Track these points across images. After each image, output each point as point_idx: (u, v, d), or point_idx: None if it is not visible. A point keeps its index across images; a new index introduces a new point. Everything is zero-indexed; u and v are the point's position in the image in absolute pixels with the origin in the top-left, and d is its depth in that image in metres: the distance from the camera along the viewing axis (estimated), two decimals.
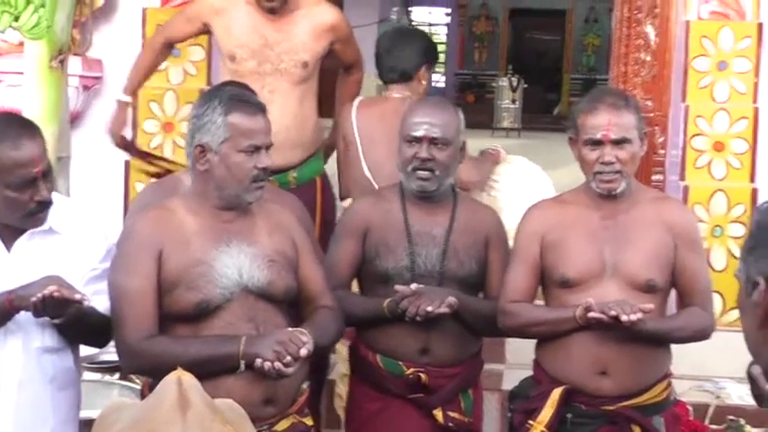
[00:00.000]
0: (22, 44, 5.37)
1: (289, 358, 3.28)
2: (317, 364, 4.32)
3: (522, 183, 5.27)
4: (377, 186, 4.87)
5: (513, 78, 18.06)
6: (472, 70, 20.42)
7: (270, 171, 3.58)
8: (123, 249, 3.47)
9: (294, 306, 3.62)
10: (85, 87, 6.08)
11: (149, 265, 3.38)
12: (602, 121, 3.72)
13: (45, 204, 3.42)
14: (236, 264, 3.42)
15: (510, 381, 4.37)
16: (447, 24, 21.24)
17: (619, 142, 3.72)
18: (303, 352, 3.30)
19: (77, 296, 3.27)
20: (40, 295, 3.21)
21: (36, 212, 3.40)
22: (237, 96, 3.53)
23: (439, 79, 20.25)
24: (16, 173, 3.32)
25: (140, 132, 5.97)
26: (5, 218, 3.41)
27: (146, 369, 3.50)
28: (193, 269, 3.39)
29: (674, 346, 3.96)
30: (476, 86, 19.54)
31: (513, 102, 17.76)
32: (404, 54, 5.06)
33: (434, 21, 21.52)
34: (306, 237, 3.72)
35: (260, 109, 3.53)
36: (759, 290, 1.94)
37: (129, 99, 5.27)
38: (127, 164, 5.88)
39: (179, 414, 2.56)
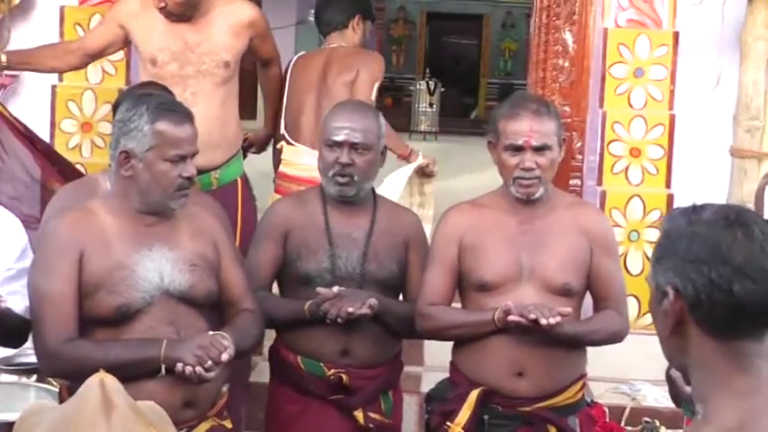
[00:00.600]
0: None
1: (210, 363, 3.29)
2: (239, 366, 4.32)
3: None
4: (293, 143, 5.46)
5: (430, 82, 18.12)
6: (390, 73, 20.37)
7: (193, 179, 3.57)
8: (43, 251, 3.44)
9: (215, 309, 3.61)
10: (2, 86, 6.01)
11: (70, 268, 3.35)
12: (524, 127, 3.74)
13: None
14: (158, 268, 3.42)
15: (428, 383, 4.37)
16: None
17: (539, 149, 3.74)
18: (224, 356, 3.32)
19: None
20: None
21: None
22: (165, 104, 3.52)
23: None
24: None
25: (58, 132, 5.92)
26: None
27: (66, 372, 3.47)
28: (115, 273, 3.38)
29: (591, 349, 4.00)
30: (393, 90, 19.54)
31: (431, 105, 17.81)
32: (337, 6, 5.62)
33: None
34: (227, 240, 3.73)
35: (187, 118, 3.52)
36: (669, 299, 1.97)
37: (3, 61, 5.10)
38: None
39: (103, 416, 2.54)
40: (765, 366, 1.96)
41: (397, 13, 21.13)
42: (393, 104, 18.56)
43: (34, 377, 4.81)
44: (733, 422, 1.90)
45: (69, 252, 3.36)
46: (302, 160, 5.38)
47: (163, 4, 4.85)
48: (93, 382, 2.63)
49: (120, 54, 5.84)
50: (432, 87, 18.00)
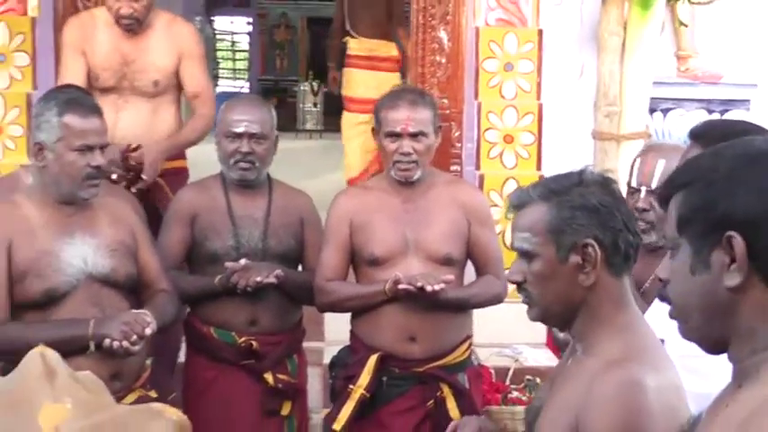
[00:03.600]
0: None
1: (135, 337, 3.49)
2: (166, 343, 4.48)
3: None
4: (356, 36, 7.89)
5: (313, 83, 18.15)
6: (274, 76, 20.42)
7: (104, 170, 3.75)
8: None
9: (134, 292, 3.80)
10: None
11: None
12: (402, 115, 4.02)
13: None
14: (81, 253, 3.60)
15: (330, 356, 4.52)
16: (249, 33, 21.17)
17: (416, 135, 4.02)
18: (148, 330, 3.53)
19: None
20: None
21: None
22: (73, 99, 3.67)
23: (243, 85, 20.39)
24: None
25: None
26: None
27: (1, 353, 3.58)
28: (41, 259, 3.54)
29: (476, 318, 4.28)
30: (278, 91, 19.53)
31: (315, 105, 17.84)
32: None
33: (237, 29, 21.47)
34: (143, 227, 3.93)
35: (94, 111, 3.69)
36: (592, 250, 2.27)
37: None
38: None
39: (47, 383, 2.72)
40: (633, 305, 2.35)
41: (280, 19, 21.09)
42: (278, 105, 18.67)
43: None
44: (617, 354, 2.20)
45: None
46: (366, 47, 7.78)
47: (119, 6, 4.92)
48: (33, 354, 2.80)
49: (27, 60, 5.85)
50: (315, 88, 18.06)
